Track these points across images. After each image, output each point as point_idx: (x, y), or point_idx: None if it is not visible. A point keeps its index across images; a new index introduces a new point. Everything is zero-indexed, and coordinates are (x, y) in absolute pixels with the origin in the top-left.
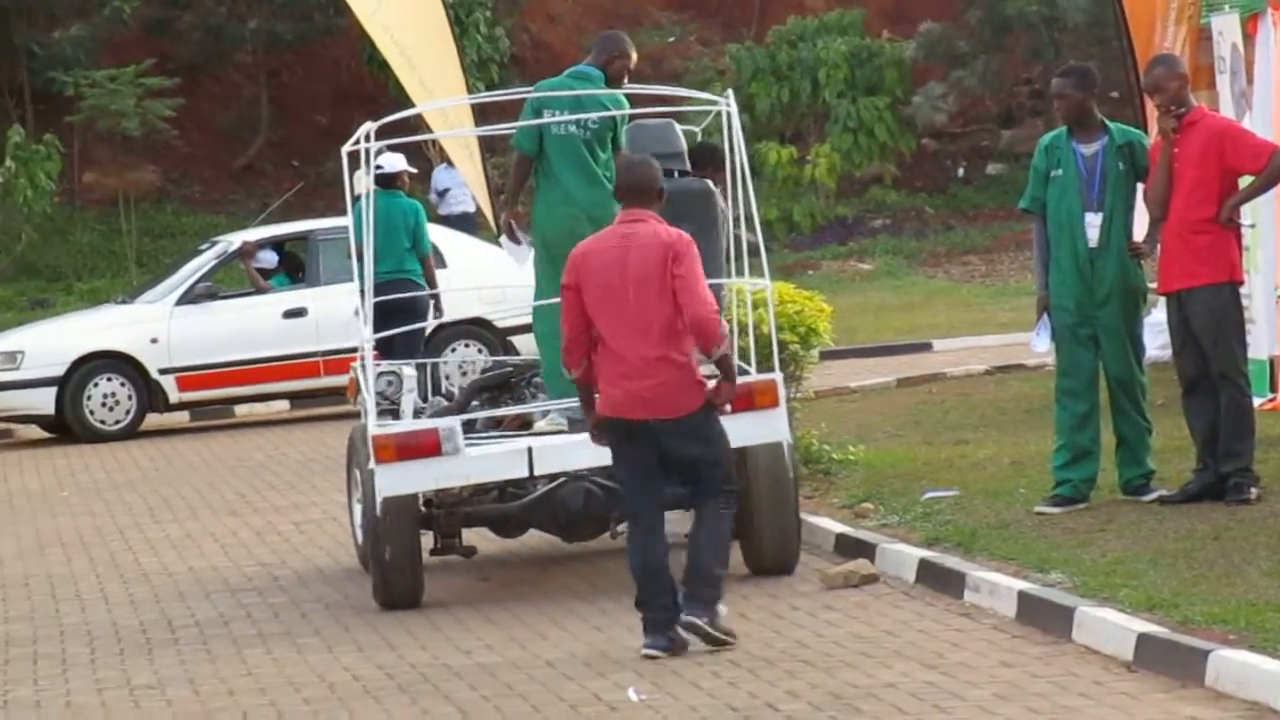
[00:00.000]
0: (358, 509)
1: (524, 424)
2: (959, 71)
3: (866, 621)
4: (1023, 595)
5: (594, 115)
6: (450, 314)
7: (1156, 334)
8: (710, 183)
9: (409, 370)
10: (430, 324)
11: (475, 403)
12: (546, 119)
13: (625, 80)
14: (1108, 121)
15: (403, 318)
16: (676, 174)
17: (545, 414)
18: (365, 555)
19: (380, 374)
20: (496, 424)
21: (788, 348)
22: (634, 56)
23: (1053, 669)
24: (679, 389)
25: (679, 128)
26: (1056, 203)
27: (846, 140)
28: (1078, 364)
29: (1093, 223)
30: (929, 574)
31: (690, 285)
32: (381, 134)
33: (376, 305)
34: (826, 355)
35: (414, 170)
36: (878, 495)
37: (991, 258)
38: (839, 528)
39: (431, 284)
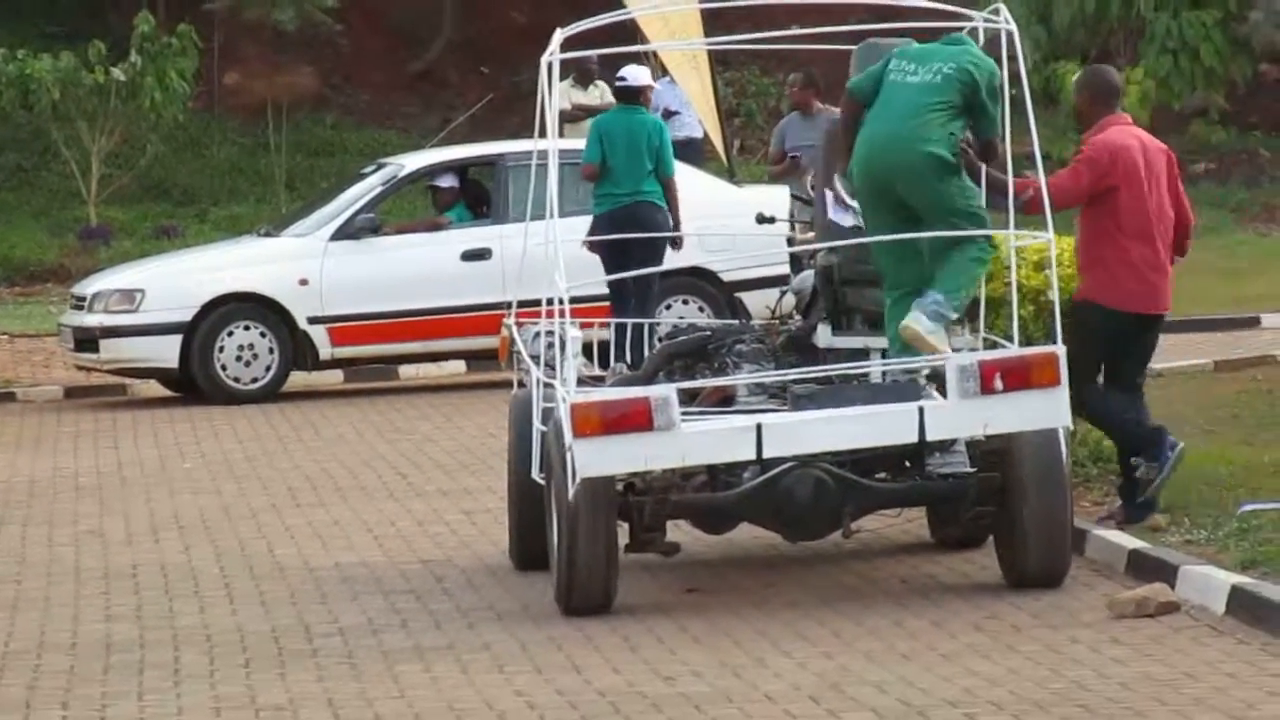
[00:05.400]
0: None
1: (724, 399)
2: None
3: (1162, 660)
4: None
5: (942, 66)
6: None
7: None
8: None
9: (574, 331)
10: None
11: (664, 372)
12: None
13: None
14: None
15: (641, 249)
16: None
17: (749, 388)
18: (515, 547)
19: (536, 334)
20: (690, 399)
21: None
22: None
23: None
24: (1170, 284)
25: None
26: None
27: (1164, 63)
28: None
29: None
30: (1243, 604)
31: (1182, 192)
32: (580, 41)
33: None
34: None
35: (656, 85)
36: (1183, 505)
37: None
38: (1132, 543)
39: (674, 212)
